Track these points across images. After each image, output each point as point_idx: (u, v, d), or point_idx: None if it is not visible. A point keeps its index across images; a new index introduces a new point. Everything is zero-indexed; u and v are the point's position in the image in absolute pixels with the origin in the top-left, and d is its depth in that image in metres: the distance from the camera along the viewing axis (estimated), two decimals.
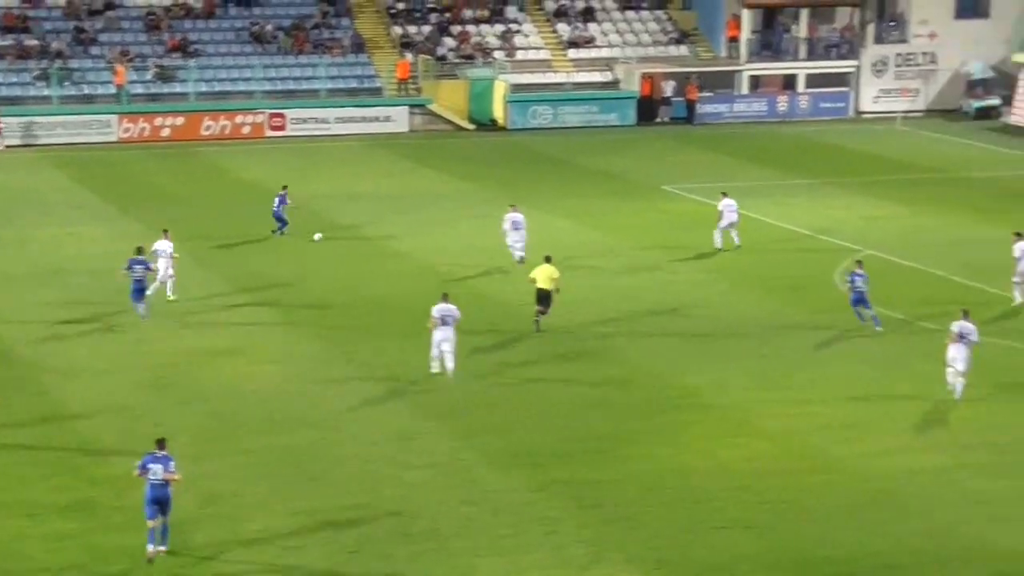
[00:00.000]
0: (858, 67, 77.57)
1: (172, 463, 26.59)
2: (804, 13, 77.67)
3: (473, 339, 39.22)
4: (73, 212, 54.26)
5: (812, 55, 77.70)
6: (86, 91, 70.16)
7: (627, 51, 75.86)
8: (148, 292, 40.93)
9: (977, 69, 77.70)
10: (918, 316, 41.46)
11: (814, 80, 77.28)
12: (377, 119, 71.39)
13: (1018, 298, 43.10)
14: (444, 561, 26.67)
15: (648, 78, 74.88)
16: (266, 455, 31.36)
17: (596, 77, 75.08)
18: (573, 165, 63.55)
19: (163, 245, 42.60)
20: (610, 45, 76.55)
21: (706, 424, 33.35)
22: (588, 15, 77.93)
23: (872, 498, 29.41)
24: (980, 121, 75.41)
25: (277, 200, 50.11)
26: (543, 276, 39.99)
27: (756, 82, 77.16)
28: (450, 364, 36.40)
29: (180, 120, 69.43)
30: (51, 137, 67.84)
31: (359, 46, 74.29)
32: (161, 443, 26.89)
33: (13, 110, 68.10)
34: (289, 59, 73.27)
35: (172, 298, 42.43)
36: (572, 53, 75.98)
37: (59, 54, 70.97)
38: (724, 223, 48.88)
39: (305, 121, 70.59)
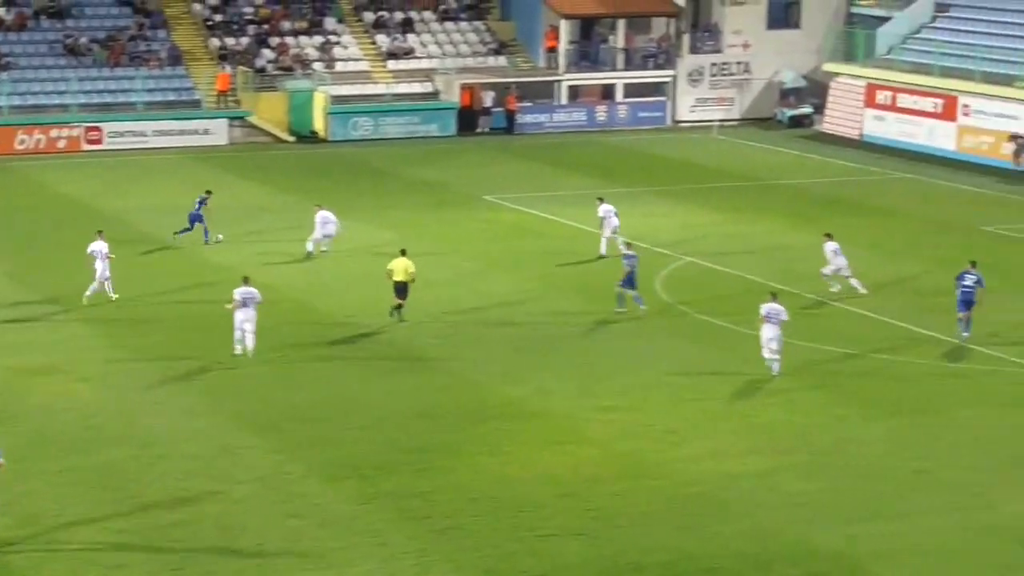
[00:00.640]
0: (674, 77, 78.58)
1: None
2: (621, 24, 78.50)
3: (295, 351, 39.13)
4: None
5: (629, 65, 78.55)
6: None
7: (446, 62, 76.05)
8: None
9: (789, 78, 79.17)
10: (737, 322, 42.09)
11: (632, 90, 78.13)
12: (196, 132, 70.73)
13: (835, 286, 44.23)
14: None
15: (468, 89, 75.15)
16: (86, 473, 30.92)
17: (416, 88, 75.14)
18: (395, 176, 63.54)
19: (99, 246, 43.35)
20: (429, 56, 76.68)
21: (530, 432, 33.54)
22: (407, 26, 77.98)
23: (695, 502, 29.81)
24: (793, 129, 76.79)
25: (197, 203, 50.56)
26: (399, 268, 41.59)
27: (575, 92, 77.79)
28: (251, 343, 38.12)
29: None
30: None
31: (176, 58, 73.56)
32: None
33: None
34: (105, 72, 72.28)
35: (114, 297, 43.03)
36: (392, 64, 75.98)
37: None
38: (608, 230, 49.19)
39: (122, 134, 69.69)
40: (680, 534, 28.33)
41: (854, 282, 44.64)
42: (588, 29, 79.20)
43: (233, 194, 59.33)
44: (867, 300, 44.55)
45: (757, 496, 30.15)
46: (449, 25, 78.82)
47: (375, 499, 29.79)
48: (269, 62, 74.28)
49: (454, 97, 74.56)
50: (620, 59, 78.39)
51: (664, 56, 78.75)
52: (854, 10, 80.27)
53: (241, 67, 73.23)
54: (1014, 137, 66.44)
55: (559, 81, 76.95)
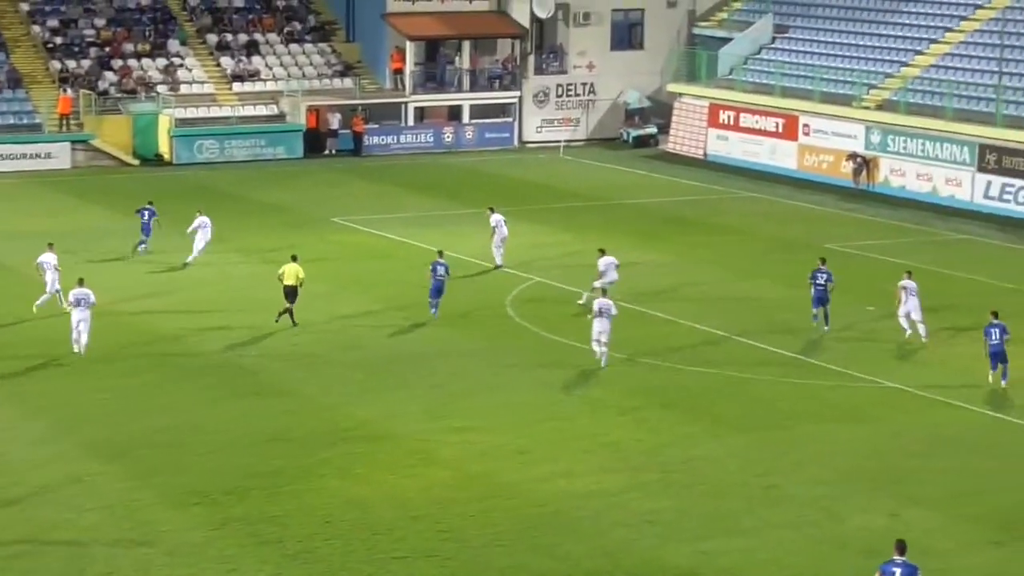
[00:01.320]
0: (520, 98, 78.98)
1: None
2: (467, 45, 78.73)
3: (142, 376, 38.73)
4: None
5: (475, 86, 78.80)
6: None
7: (292, 84, 75.73)
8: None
9: (633, 99, 79.93)
10: (585, 341, 42.32)
11: (478, 111, 78.41)
12: (38, 156, 69.68)
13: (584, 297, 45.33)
14: None
15: (314, 111, 74.92)
16: None
17: (262, 110, 74.71)
18: (242, 199, 63.10)
19: (47, 258, 44.32)
20: (275, 78, 76.28)
21: (381, 454, 33.48)
22: (252, 48, 77.53)
23: (548, 522, 29.93)
24: (638, 149, 77.49)
25: (146, 214, 51.91)
26: (290, 273, 43.22)
27: (422, 113, 77.88)
28: (84, 339, 39.93)
29: None
30: None
31: (16, 81, 72.44)
32: None
33: None
34: None
35: (66, 307, 42.38)
36: (237, 87, 75.48)
37: None
38: (498, 239, 50.08)
39: None
40: (533, 554, 28.43)
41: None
42: (434, 51, 79.34)
43: (77, 218, 58.62)
44: (713, 317, 45.05)
45: (608, 515, 30.34)
46: (294, 47, 78.50)
47: (226, 525, 29.54)
48: (112, 85, 73.46)
49: (300, 119, 74.27)
50: (466, 80, 78.61)
51: (510, 77, 79.13)
52: (696, 31, 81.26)
53: (83, 90, 72.31)
54: (852, 156, 67.62)
55: (406, 103, 76.97)
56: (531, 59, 79.42)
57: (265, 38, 78.45)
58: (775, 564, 28.20)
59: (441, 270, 44.68)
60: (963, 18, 70.79)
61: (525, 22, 78.85)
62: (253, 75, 76.12)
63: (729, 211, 62.11)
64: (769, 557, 28.47)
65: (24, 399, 37.03)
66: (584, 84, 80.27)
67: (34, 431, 34.77)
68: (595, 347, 40.01)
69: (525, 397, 37.65)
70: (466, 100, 78.20)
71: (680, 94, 77.25)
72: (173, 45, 76.41)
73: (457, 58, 78.77)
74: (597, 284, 44.83)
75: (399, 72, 77.27)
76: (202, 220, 50.78)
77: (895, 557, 23.86)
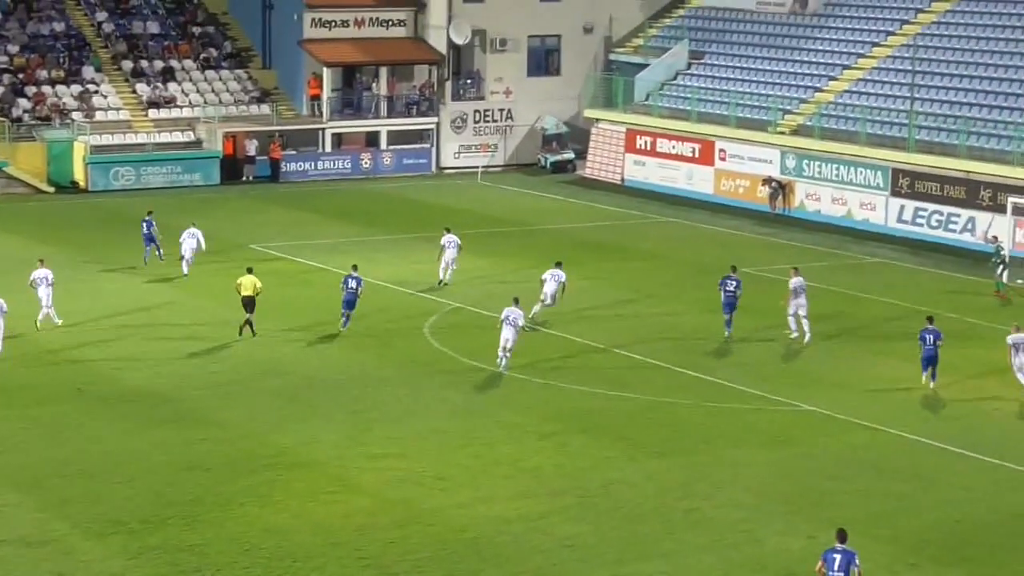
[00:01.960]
0: (438, 124, 79.07)
1: None
2: (384, 71, 78.74)
3: (58, 405, 38.38)
4: None
5: (393, 113, 78.82)
6: None
7: (209, 110, 75.44)
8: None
9: (551, 124, 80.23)
10: (506, 366, 42.40)
11: (396, 137, 78.41)
12: None
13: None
14: None
15: (231, 137, 74.66)
16: None
17: (178, 137, 74.36)
18: (158, 226, 62.55)
19: (41, 273, 45.58)
20: (191, 105, 75.98)
21: (300, 482, 33.33)
22: (168, 75, 77.18)
23: (468, 547, 29.89)
24: (556, 175, 77.75)
25: (145, 225, 53.94)
26: (247, 284, 45.00)
27: (339, 140, 77.79)
28: None
29: None
30: None
31: None
32: None
33: None
34: None
35: (59, 323, 45.15)
36: (153, 113, 75.10)
37: None
38: (447, 258, 51.44)
39: None
40: None
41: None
42: (350, 77, 79.30)
43: None
44: (630, 342, 45.24)
45: (528, 540, 30.34)
46: (211, 74, 78.23)
47: (143, 554, 29.30)
48: (26, 112, 72.89)
49: (217, 146, 73.98)
50: (383, 107, 78.62)
51: (427, 103, 79.21)
52: (612, 57, 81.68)
53: None
54: (768, 181, 68.12)
55: (323, 129, 76.86)
56: (448, 85, 79.55)
57: (181, 64, 78.11)
58: None
59: (353, 283, 45.52)
60: (875, 44, 71.57)
61: (442, 48, 78.99)
62: (169, 102, 75.78)
63: (646, 236, 62.39)
64: None
65: None
66: (501, 110, 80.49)
67: None
68: (500, 353, 41.67)
69: (444, 423, 37.63)
70: (384, 126, 78.21)
71: (597, 120, 77.60)
72: (88, 72, 75.95)
73: (374, 84, 78.76)
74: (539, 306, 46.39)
75: (316, 98, 77.19)
76: (192, 231, 53.20)
77: (836, 544, 25.80)
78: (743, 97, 72.15)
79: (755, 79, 73.67)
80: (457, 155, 79.44)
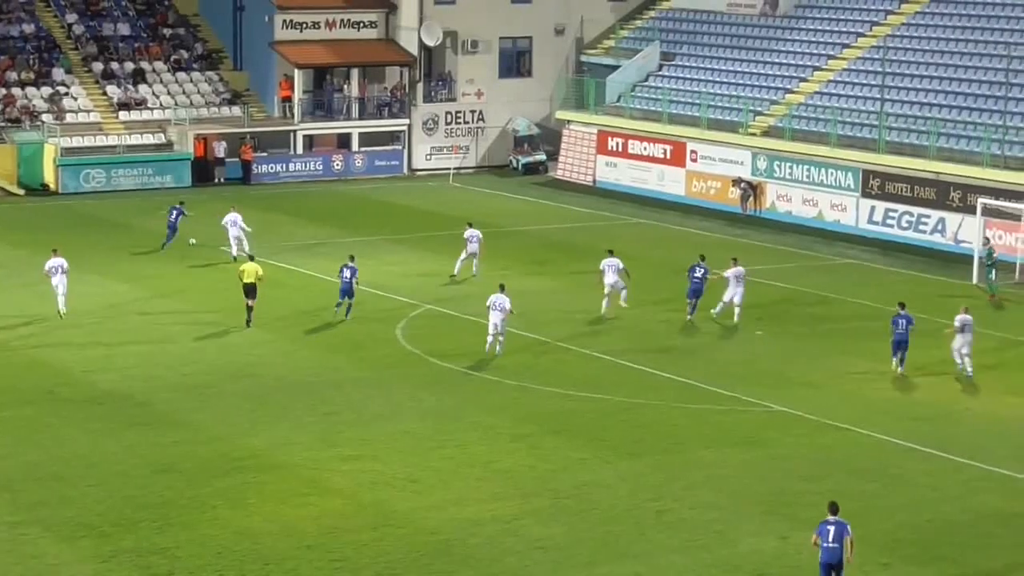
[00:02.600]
0: (409, 125, 79.05)
1: None
2: (355, 73, 78.70)
3: (29, 408, 38.29)
4: None
5: (364, 114, 78.78)
6: None
7: (180, 112, 75.30)
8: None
9: (522, 126, 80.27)
10: (477, 367, 42.45)
11: (368, 139, 78.37)
12: None
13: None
14: None
15: (202, 139, 74.50)
16: None
17: (149, 139, 74.19)
18: (129, 228, 62.59)
19: (57, 262, 46.83)
20: (162, 107, 75.82)
21: (273, 485, 33.30)
22: (138, 77, 77.00)
23: (440, 550, 29.90)
24: (528, 176, 77.79)
25: (175, 213, 56.34)
26: (250, 271, 46.38)
27: (311, 141, 77.71)
28: None
29: None
30: None
31: None
32: None
33: None
34: None
35: (64, 311, 46.31)
36: (123, 115, 74.91)
37: None
38: (465, 254, 52.83)
39: None
40: None
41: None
42: (322, 78, 79.24)
43: None
44: (603, 343, 45.31)
45: (501, 542, 30.37)
46: (181, 75, 78.07)
47: (115, 557, 29.24)
48: None
49: (188, 148, 73.83)
50: (355, 108, 78.57)
51: (399, 105, 79.19)
52: (584, 59, 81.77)
53: None
54: (738, 182, 68.28)
55: (294, 131, 76.78)
56: (420, 87, 79.53)
57: (152, 66, 77.93)
58: None
59: (347, 273, 47.03)
60: (846, 46, 71.78)
61: (413, 50, 78.97)
62: (140, 104, 75.61)
63: (618, 237, 62.40)
64: None
65: None
66: (473, 112, 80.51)
67: None
68: (489, 339, 43.29)
69: (417, 425, 37.63)
70: (355, 128, 78.16)
71: (569, 121, 77.67)
72: (58, 74, 75.73)
73: (346, 86, 78.71)
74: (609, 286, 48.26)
75: (288, 100, 77.09)
76: (232, 217, 55.74)
77: (828, 517, 27.16)
78: (714, 98, 72.30)
79: (726, 80, 73.83)
80: (429, 157, 79.44)
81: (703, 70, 75.48)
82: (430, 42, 78.97)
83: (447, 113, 79.96)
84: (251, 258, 48.09)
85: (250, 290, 46.32)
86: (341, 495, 32.79)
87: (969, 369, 42.38)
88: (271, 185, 74.09)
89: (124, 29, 79.39)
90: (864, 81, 68.91)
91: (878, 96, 66.42)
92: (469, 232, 53.66)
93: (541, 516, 31.76)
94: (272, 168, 75.45)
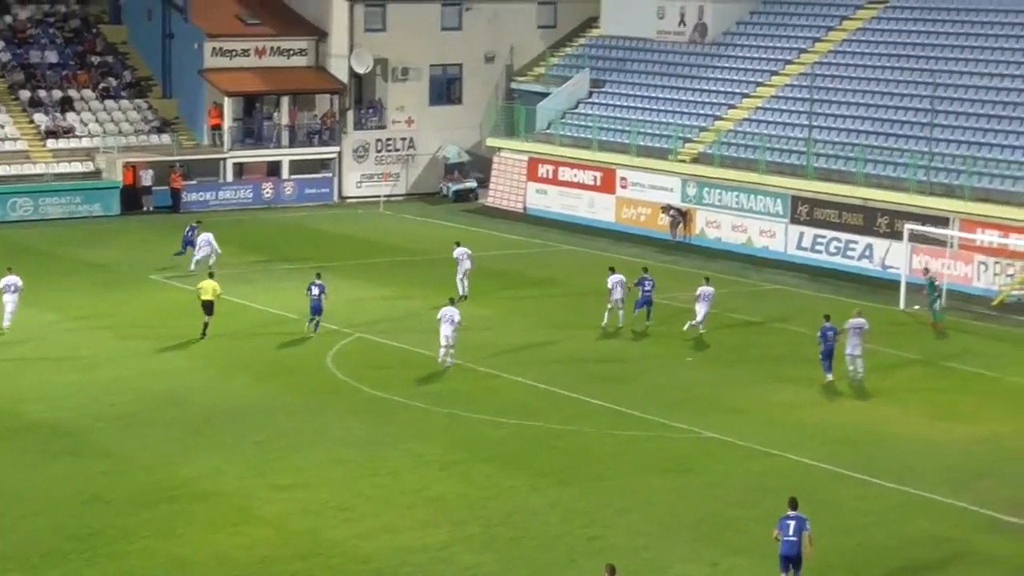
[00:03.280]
0: (340, 153, 78.97)
1: None
2: (285, 100, 78.57)
3: None
4: None
5: (294, 142, 78.64)
6: None
7: (108, 140, 74.90)
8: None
9: (453, 153, 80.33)
10: (408, 396, 42.40)
11: (298, 166, 78.21)
12: None
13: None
14: None
15: (130, 167, 74.13)
16: None
17: (77, 167, 73.75)
18: (57, 257, 62.17)
19: (12, 280, 48.63)
20: (90, 135, 75.39)
21: (203, 514, 33.11)
22: (66, 104, 76.56)
23: None
24: (459, 203, 77.84)
25: (189, 229, 59.40)
26: (207, 288, 48.02)
27: (241, 169, 77.48)
28: None
29: None
30: None
31: None
32: None
33: None
34: None
35: (6, 327, 47.77)
36: (51, 143, 74.44)
37: None
38: (460, 272, 54.42)
39: None
40: None
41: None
42: (252, 106, 79.05)
43: None
44: (534, 370, 45.35)
45: (432, 570, 30.31)
46: (110, 103, 77.67)
47: None
48: None
49: (117, 176, 73.44)
50: (285, 136, 78.43)
51: (329, 133, 79.10)
52: (514, 86, 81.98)
53: None
54: (666, 209, 68.55)
55: (224, 159, 76.53)
56: (350, 114, 79.48)
57: (80, 94, 77.51)
58: None
59: (315, 290, 48.90)
60: (774, 73, 72.29)
61: (344, 77, 78.94)
62: (68, 132, 75.18)
63: (549, 264, 62.58)
64: None
65: None
66: (403, 139, 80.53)
67: None
68: (441, 352, 44.95)
69: (347, 453, 37.53)
70: (285, 156, 78.02)
71: (499, 148, 77.81)
72: None
73: (276, 114, 78.56)
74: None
75: (217, 128, 76.84)
76: (205, 237, 57.99)
77: (789, 512, 28.68)
78: (644, 125, 72.63)
79: (656, 107, 74.18)
80: (359, 184, 79.37)
81: (633, 97, 75.83)
82: (360, 70, 78.97)
83: (377, 140, 79.94)
84: (211, 275, 49.33)
85: (207, 306, 47.94)
86: (272, 524, 32.65)
87: (861, 372, 44.60)
88: (201, 213, 73.69)
89: (52, 57, 78.96)
90: (792, 108, 69.42)
91: (806, 123, 66.92)
92: (459, 251, 55.27)
93: (472, 544, 31.72)
94: (201, 196, 75.15)
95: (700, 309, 49.40)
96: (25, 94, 76.56)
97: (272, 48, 78.86)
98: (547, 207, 74.43)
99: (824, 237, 63.42)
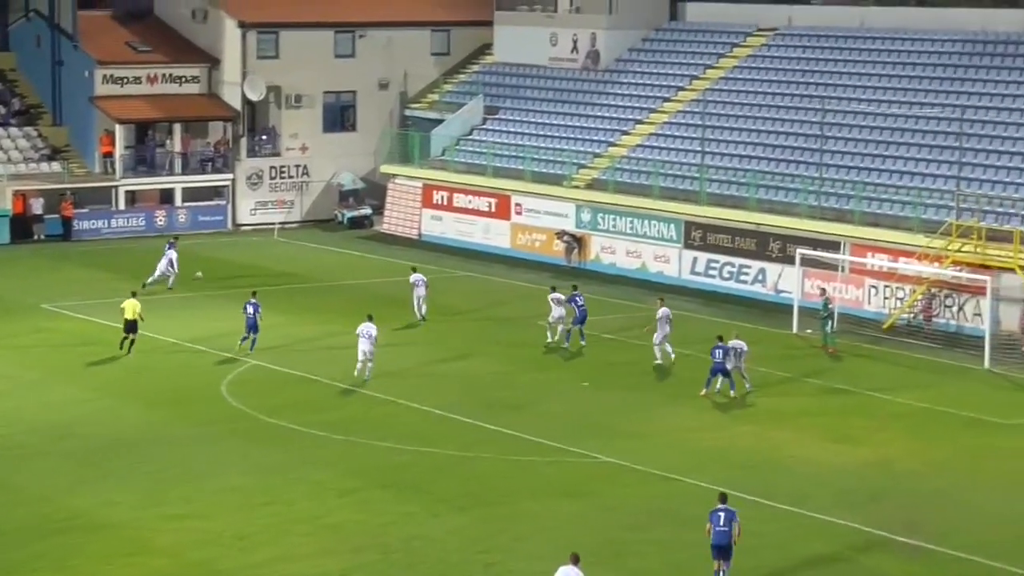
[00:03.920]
0: (233, 180, 78.55)
1: None
2: (177, 128, 78.06)
3: None
4: None
5: (187, 169, 78.13)
6: None
7: None
8: None
9: (347, 180, 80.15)
10: (304, 423, 42.19)
11: (191, 194, 77.69)
12: None
13: None
14: None
15: (20, 196, 73.28)
16: None
17: None
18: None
19: None
20: None
21: (97, 545, 32.74)
22: None
23: None
24: (354, 230, 77.65)
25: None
26: (129, 308, 49.40)
27: (133, 197, 76.82)
28: None
29: None
30: None
31: None
32: None
33: None
34: None
35: None
36: None
37: None
38: (415, 298, 55.96)
39: None
40: None
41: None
42: (143, 134, 78.46)
43: None
44: (432, 397, 45.31)
45: None
46: None
47: None
48: None
49: (7, 204, 72.58)
50: (178, 163, 77.90)
51: (222, 160, 78.67)
52: (408, 113, 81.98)
53: None
54: (561, 234, 68.75)
55: (116, 187, 75.87)
56: (243, 141, 79.11)
57: None
58: None
59: (251, 309, 49.99)
60: (667, 99, 72.79)
61: (237, 104, 78.57)
62: None
63: (444, 291, 62.48)
64: None
65: None
66: (298, 166, 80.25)
67: None
68: (358, 366, 46.21)
69: (243, 481, 37.26)
70: (178, 183, 77.49)
71: (394, 175, 77.74)
72: None
73: (168, 141, 78.03)
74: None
75: (109, 156, 76.18)
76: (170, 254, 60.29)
77: (718, 505, 30.38)
78: (538, 152, 72.85)
79: (550, 134, 74.45)
80: (253, 212, 78.96)
81: (527, 123, 76.06)
82: (253, 97, 78.64)
83: (271, 168, 79.60)
84: (133, 294, 50.70)
85: (130, 326, 49.22)
86: (167, 554, 32.33)
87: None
88: (92, 241, 73.09)
89: None
90: (685, 134, 69.93)
91: (699, 149, 67.43)
92: (415, 277, 56.62)
93: (370, 571, 31.60)
94: (93, 224, 74.44)
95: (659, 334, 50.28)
96: None
97: (164, 75, 78.34)
98: (442, 233, 74.44)
99: (717, 262, 63.87)
